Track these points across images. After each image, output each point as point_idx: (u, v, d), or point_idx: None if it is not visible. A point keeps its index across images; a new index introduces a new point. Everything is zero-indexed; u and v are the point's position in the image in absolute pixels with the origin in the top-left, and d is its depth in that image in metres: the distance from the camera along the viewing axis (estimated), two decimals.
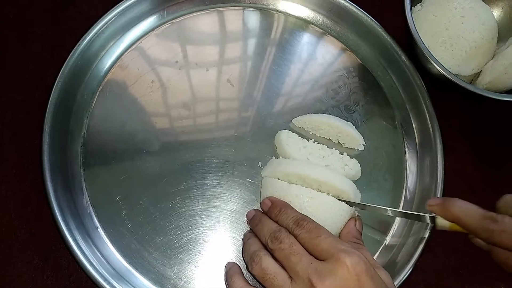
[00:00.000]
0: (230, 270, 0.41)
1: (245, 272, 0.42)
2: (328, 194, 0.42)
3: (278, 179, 0.43)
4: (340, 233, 0.42)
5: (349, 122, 0.49)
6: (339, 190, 0.42)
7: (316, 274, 0.34)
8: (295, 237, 0.37)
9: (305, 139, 0.47)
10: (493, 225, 0.36)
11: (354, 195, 0.43)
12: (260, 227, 0.40)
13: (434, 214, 0.40)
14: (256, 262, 0.37)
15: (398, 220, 0.48)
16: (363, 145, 0.48)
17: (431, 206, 0.40)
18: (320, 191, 0.42)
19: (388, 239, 0.47)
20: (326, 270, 0.34)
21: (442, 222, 0.39)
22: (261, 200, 0.43)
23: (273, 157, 0.47)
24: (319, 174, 0.42)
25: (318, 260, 0.35)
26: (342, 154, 0.46)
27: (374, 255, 0.46)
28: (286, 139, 0.46)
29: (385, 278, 0.36)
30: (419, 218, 0.41)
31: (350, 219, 0.42)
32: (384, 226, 0.47)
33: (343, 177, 0.43)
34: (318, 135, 0.49)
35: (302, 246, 0.36)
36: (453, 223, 0.39)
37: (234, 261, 0.43)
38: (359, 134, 0.48)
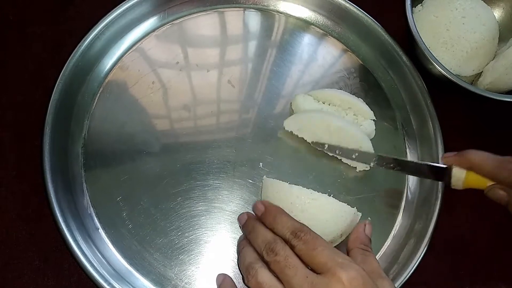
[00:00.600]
0: (222, 284, 0.40)
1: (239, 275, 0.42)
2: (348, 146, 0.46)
3: (298, 131, 0.46)
4: (348, 238, 0.40)
5: (359, 98, 0.49)
6: (359, 141, 0.45)
7: None
8: (292, 248, 0.36)
9: (320, 102, 0.48)
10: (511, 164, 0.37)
11: (371, 149, 0.46)
12: (254, 236, 0.38)
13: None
14: (252, 275, 0.36)
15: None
16: (374, 120, 0.48)
17: (447, 157, 0.41)
18: (340, 143, 0.45)
19: (389, 240, 0.47)
20: (322, 284, 0.33)
21: (458, 173, 0.40)
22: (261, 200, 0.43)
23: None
24: (342, 122, 0.45)
25: (315, 273, 0.34)
26: (356, 115, 0.48)
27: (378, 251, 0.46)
28: (303, 102, 0.47)
29: None
30: (438, 171, 0.42)
31: (358, 223, 0.41)
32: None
33: (361, 131, 0.46)
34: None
35: (299, 257, 0.35)
36: (469, 174, 0.40)
37: (230, 266, 0.43)
38: (370, 109, 0.48)
